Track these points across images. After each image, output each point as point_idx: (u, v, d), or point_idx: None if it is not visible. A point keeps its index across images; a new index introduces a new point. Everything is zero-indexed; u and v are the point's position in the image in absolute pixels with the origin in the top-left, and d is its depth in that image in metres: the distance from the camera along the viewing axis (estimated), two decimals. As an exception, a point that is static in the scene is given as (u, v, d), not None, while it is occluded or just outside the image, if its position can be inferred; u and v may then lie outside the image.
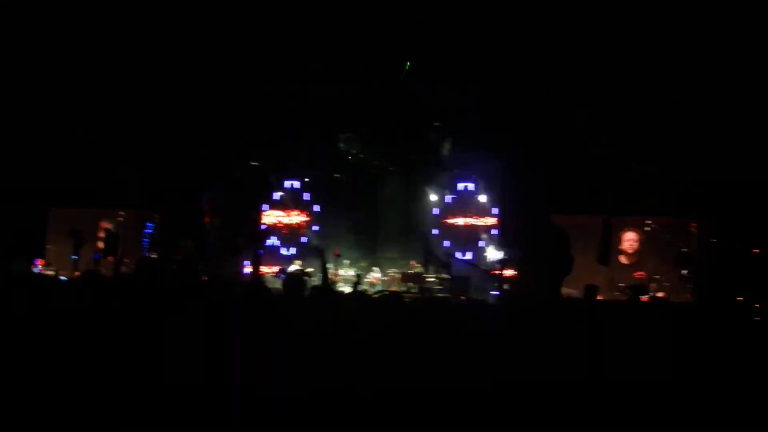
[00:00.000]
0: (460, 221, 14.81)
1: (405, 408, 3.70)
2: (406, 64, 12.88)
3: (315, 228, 14.89)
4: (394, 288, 12.73)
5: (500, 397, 3.80)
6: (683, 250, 13.19)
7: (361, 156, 14.61)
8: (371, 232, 14.80)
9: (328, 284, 7.52)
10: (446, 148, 14.08)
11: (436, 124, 13.94)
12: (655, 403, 3.85)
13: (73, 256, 11.85)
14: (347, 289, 11.99)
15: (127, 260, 13.20)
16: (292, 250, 14.78)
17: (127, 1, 12.11)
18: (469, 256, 14.34)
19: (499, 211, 14.67)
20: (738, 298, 9.22)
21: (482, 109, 13.02)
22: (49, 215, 14.67)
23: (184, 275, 11.79)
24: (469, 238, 14.69)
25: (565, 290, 9.51)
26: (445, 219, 14.93)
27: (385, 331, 4.08)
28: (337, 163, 14.72)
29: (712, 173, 12.25)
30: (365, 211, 14.83)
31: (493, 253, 13.88)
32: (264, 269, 12.51)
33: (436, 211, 14.95)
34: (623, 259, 14.12)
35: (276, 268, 13.33)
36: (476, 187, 14.92)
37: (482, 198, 14.87)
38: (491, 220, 14.70)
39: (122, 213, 14.50)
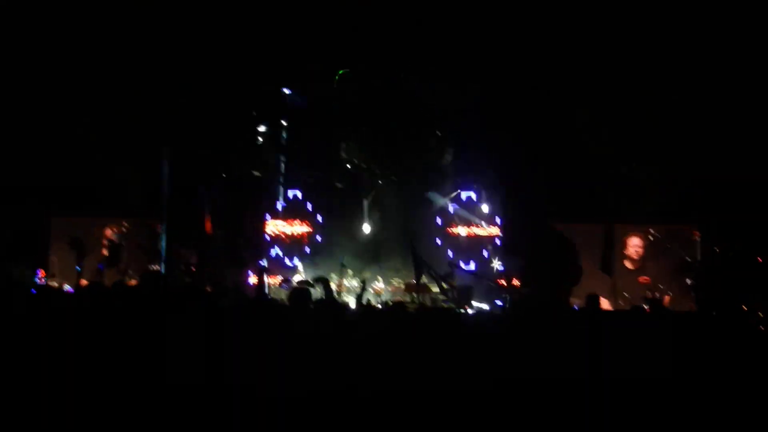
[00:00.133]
0: (463, 231, 14.76)
1: (405, 408, 3.70)
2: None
3: (318, 238, 14.87)
4: (398, 298, 12.69)
5: (500, 397, 3.80)
6: (686, 258, 13.15)
7: (363, 166, 14.62)
8: (374, 242, 14.77)
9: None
10: (447, 156, 14.08)
11: (438, 133, 13.96)
12: (655, 403, 3.85)
13: (78, 267, 11.81)
14: (351, 298, 11.97)
15: (131, 272, 13.26)
16: (296, 260, 14.76)
17: (127, 2, 12.19)
18: (472, 266, 14.28)
19: (502, 220, 14.62)
20: (742, 306, 9.16)
21: (482, 110, 13.04)
22: (51, 224, 14.60)
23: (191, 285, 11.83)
24: (473, 247, 14.63)
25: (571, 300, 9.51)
26: (448, 228, 14.88)
27: (384, 331, 4.09)
28: (338, 172, 14.72)
29: (712, 173, 12.22)
30: (367, 221, 14.81)
31: (497, 263, 13.85)
32: (268, 279, 12.48)
33: (438, 220, 14.91)
34: (628, 264, 14.06)
35: (280, 278, 13.32)
36: (478, 195, 14.87)
37: (485, 207, 14.82)
38: (494, 230, 14.64)
39: (125, 223, 14.48)
